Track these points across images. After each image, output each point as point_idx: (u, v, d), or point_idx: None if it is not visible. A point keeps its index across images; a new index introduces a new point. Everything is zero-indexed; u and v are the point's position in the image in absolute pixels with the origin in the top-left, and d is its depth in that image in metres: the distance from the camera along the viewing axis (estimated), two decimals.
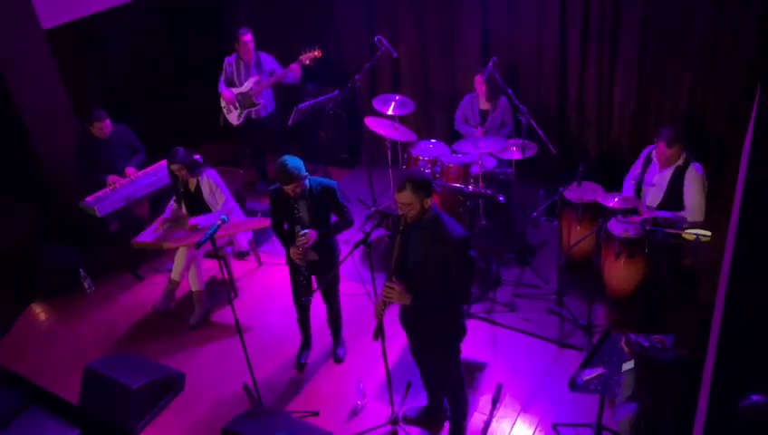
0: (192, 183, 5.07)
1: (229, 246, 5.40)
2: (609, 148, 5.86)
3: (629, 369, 3.07)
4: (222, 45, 6.71)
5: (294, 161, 3.89)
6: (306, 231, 4.02)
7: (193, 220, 4.96)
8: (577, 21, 5.48)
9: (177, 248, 5.06)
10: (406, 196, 3.09)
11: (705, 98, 5.18)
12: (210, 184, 5.03)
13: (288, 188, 3.92)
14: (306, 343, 4.74)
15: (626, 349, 3.17)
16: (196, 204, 5.09)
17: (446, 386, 3.85)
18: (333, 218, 4.26)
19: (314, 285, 4.44)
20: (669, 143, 4.33)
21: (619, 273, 4.56)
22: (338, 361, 4.68)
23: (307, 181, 4.01)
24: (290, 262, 4.28)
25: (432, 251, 3.21)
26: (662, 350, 3.06)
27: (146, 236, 5.08)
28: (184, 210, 5.16)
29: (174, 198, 5.22)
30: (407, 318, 3.58)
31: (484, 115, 5.62)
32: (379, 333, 3.43)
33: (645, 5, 5.11)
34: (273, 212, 4.19)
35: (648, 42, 5.23)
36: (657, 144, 4.42)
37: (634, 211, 4.49)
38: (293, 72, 6.02)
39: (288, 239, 4.15)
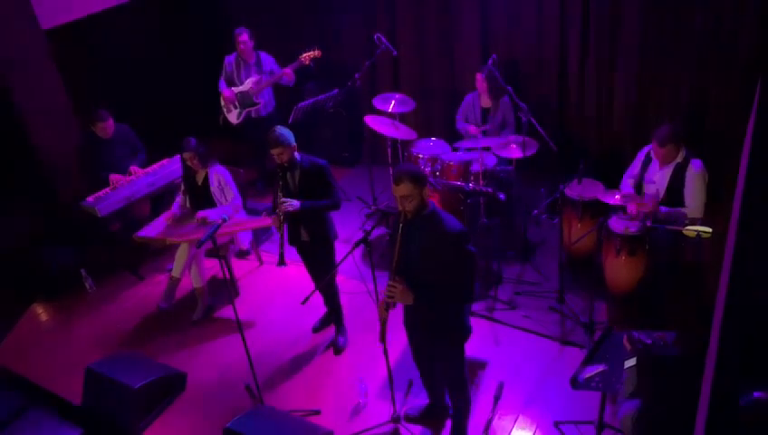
0: (200, 176, 5.07)
1: (230, 244, 5.41)
2: (609, 145, 5.85)
3: (632, 366, 3.07)
4: (222, 44, 6.72)
5: (284, 130, 4.10)
6: (288, 199, 4.13)
7: (201, 213, 4.97)
8: (576, 19, 5.47)
9: (179, 244, 5.07)
10: (405, 187, 3.08)
11: (705, 94, 5.17)
12: (220, 179, 5.05)
13: (274, 153, 4.09)
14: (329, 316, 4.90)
15: (628, 346, 3.17)
16: (202, 198, 5.09)
17: (448, 386, 3.85)
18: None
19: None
20: (661, 143, 4.32)
21: (621, 270, 4.56)
22: (337, 351, 4.71)
23: (298, 156, 4.17)
24: (296, 246, 4.47)
25: (431, 247, 3.19)
26: (664, 347, 3.07)
27: (149, 231, 5.08)
28: (188, 204, 5.17)
29: (181, 191, 5.23)
30: (410, 319, 3.57)
31: (485, 114, 5.61)
32: (385, 335, 3.41)
33: (644, 3, 5.10)
34: (275, 190, 4.33)
35: (647, 39, 5.22)
36: (652, 143, 4.43)
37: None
38: (287, 75, 6.05)
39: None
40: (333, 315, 4.78)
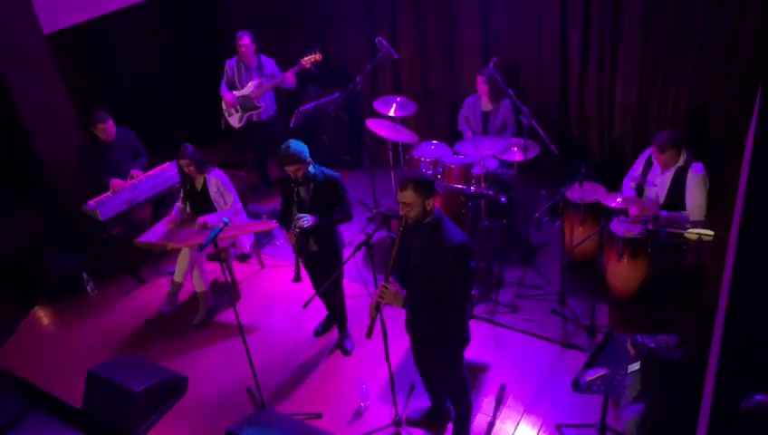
0: (198, 182, 5.08)
1: (232, 248, 5.41)
2: (610, 148, 5.85)
3: (635, 370, 3.06)
4: (223, 48, 6.73)
5: (298, 145, 4.00)
6: (304, 215, 4.06)
7: (202, 219, 4.97)
8: (577, 21, 5.48)
9: (180, 249, 5.07)
10: (408, 195, 3.08)
11: (706, 96, 5.17)
12: (218, 183, 5.05)
13: (289, 170, 4.01)
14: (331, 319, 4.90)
15: (632, 350, 3.16)
16: (202, 203, 5.10)
17: (448, 390, 3.84)
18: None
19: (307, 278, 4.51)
20: (662, 149, 4.32)
21: (622, 273, 4.55)
22: (346, 353, 4.71)
23: (312, 168, 4.09)
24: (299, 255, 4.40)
25: (430, 255, 3.19)
26: (667, 350, 3.07)
27: (151, 236, 5.08)
28: (189, 210, 5.17)
29: (180, 198, 5.23)
30: (409, 323, 3.58)
31: (485, 117, 5.62)
32: (372, 332, 3.42)
33: (645, 5, 5.11)
34: (283, 202, 4.29)
35: (648, 41, 5.23)
36: (653, 149, 4.43)
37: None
38: (288, 79, 6.06)
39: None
40: (337, 320, 4.77)
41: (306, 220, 4.05)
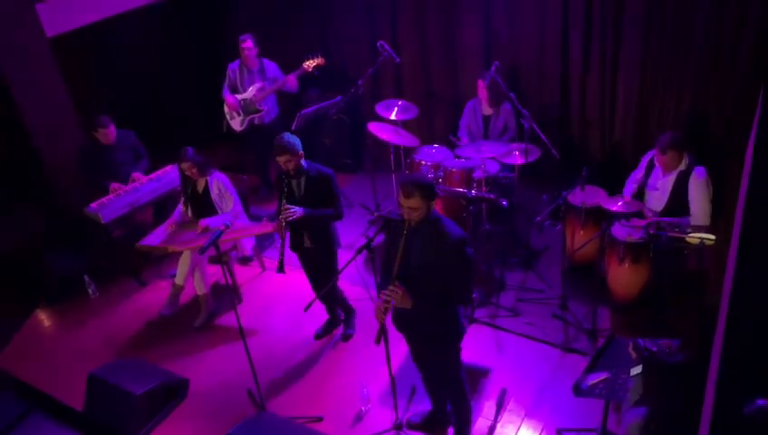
0: (200, 185, 5.08)
1: (233, 251, 5.41)
2: (612, 151, 5.85)
3: (638, 374, 3.06)
4: (224, 49, 6.74)
5: (291, 137, 4.07)
6: (292, 206, 4.10)
7: (204, 221, 4.97)
8: (579, 23, 5.48)
9: (182, 251, 5.07)
10: (415, 201, 3.13)
11: (707, 99, 5.17)
12: (219, 186, 5.06)
13: (280, 161, 4.06)
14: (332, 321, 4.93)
15: (634, 354, 3.16)
16: (204, 206, 5.10)
17: (446, 388, 3.84)
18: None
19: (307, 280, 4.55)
20: (663, 150, 4.32)
21: (624, 277, 4.55)
22: (345, 338, 4.80)
23: (305, 163, 4.15)
24: (298, 253, 4.45)
25: (432, 252, 3.23)
26: (669, 354, 3.07)
27: (152, 239, 5.08)
28: (190, 213, 5.18)
29: (182, 201, 5.23)
30: (403, 320, 3.58)
31: (486, 121, 5.62)
32: (382, 336, 3.42)
33: (646, 7, 5.12)
34: (279, 199, 4.33)
35: (649, 41, 5.23)
36: (655, 150, 4.43)
37: (638, 215, 4.47)
38: (290, 83, 6.06)
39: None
40: (337, 322, 4.79)
41: (293, 212, 4.08)
